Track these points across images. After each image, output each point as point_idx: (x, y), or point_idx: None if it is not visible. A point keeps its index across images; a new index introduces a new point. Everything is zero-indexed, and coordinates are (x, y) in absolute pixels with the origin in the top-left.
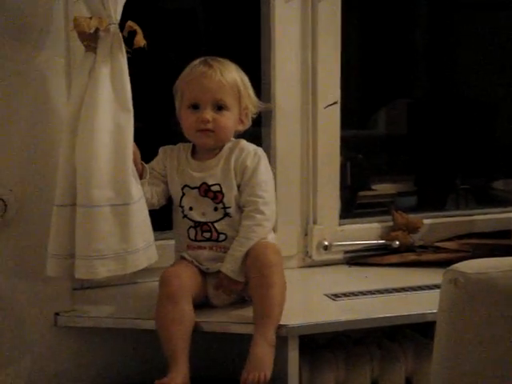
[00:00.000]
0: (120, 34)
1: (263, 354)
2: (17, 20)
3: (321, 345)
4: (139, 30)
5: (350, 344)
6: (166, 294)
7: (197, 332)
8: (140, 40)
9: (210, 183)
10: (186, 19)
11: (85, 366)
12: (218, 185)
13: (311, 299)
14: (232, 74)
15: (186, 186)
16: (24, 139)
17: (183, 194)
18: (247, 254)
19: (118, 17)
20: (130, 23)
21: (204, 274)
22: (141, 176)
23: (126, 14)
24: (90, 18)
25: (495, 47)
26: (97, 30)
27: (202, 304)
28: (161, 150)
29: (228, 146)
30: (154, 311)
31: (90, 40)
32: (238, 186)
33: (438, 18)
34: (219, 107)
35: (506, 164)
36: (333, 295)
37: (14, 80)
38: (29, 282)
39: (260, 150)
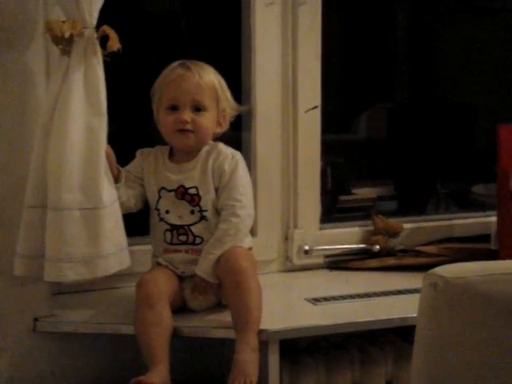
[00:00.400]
0: (95, 39)
1: (247, 361)
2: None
3: (301, 349)
4: (113, 35)
5: (331, 348)
6: (142, 298)
7: (178, 337)
8: (113, 45)
9: (187, 186)
10: (167, 22)
11: (64, 372)
12: (195, 188)
13: (292, 303)
14: (210, 77)
15: (162, 188)
16: (2, 142)
17: (159, 197)
18: (218, 262)
19: (94, 21)
20: (103, 28)
21: (180, 278)
22: (116, 179)
23: (107, 17)
24: (64, 22)
25: (475, 52)
26: (72, 33)
27: (180, 309)
28: (138, 152)
29: (205, 149)
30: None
31: (65, 44)
32: (216, 190)
33: (419, 23)
34: (197, 108)
35: (486, 168)
36: (313, 299)
37: None
38: (7, 287)
39: (238, 154)
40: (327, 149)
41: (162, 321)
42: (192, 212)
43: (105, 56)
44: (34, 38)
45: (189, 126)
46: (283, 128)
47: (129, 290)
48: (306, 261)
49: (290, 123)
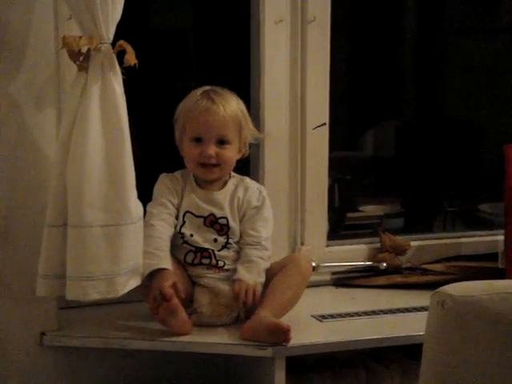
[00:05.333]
0: (112, 54)
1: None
2: (5, 38)
3: (308, 366)
4: (129, 49)
5: (337, 366)
6: None
7: (183, 353)
8: (130, 59)
9: (217, 215)
10: (175, 39)
11: None
12: (226, 218)
13: (298, 320)
14: (233, 108)
15: (188, 212)
16: (10, 158)
17: (184, 222)
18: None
19: (111, 36)
20: (120, 42)
21: (193, 285)
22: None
23: (117, 34)
24: (80, 38)
25: (482, 71)
26: (89, 49)
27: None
28: (165, 178)
29: (232, 182)
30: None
31: (82, 59)
32: (241, 221)
33: (426, 42)
34: (221, 141)
35: (493, 187)
36: (320, 316)
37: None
38: (14, 302)
39: (264, 189)
40: (335, 166)
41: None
42: (215, 240)
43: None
44: (45, 56)
45: (213, 161)
46: (291, 145)
47: (136, 305)
48: (313, 277)
49: (298, 140)
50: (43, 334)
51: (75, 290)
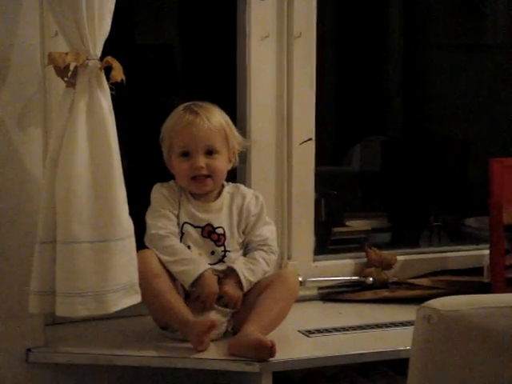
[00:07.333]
0: (99, 70)
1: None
2: None
3: (294, 381)
4: (116, 65)
5: (324, 380)
6: (145, 270)
7: (171, 369)
8: (116, 75)
9: (214, 225)
10: (162, 55)
11: None
12: (222, 228)
13: (285, 335)
14: (217, 119)
15: (186, 223)
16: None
17: (182, 233)
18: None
19: (98, 52)
20: (107, 58)
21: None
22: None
23: (103, 50)
24: (67, 54)
25: (467, 87)
26: (76, 65)
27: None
28: (161, 187)
29: (228, 190)
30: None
31: (69, 76)
32: (243, 231)
33: (412, 57)
34: (210, 152)
35: (478, 202)
36: (307, 331)
37: None
38: (0, 318)
39: (260, 195)
40: (321, 181)
41: (173, 288)
42: (212, 253)
43: (110, 89)
44: (31, 72)
45: (204, 172)
46: (278, 160)
47: (123, 320)
48: (300, 292)
49: (285, 155)
50: (29, 350)
51: (64, 306)
